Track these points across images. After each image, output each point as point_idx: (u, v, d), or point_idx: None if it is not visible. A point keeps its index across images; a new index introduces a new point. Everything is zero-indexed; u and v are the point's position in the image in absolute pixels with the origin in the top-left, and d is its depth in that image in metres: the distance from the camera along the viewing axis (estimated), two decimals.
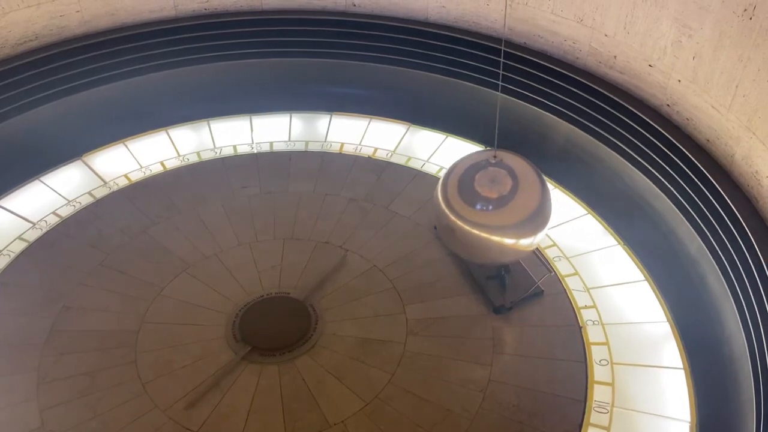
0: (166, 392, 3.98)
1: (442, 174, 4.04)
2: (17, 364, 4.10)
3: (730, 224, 4.23)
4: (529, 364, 4.16)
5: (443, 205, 3.79)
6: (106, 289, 4.53)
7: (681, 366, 4.10)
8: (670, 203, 4.75)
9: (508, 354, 4.21)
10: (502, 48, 4.35)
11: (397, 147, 5.71)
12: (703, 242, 4.45)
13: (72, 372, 4.07)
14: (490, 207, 3.68)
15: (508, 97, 5.70)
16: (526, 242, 3.81)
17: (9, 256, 4.73)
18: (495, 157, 3.75)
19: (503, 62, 5.61)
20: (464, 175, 3.75)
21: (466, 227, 3.71)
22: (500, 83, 4.50)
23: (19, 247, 4.80)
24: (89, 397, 3.94)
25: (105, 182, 5.34)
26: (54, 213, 5.06)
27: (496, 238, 3.74)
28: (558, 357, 4.19)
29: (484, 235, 3.72)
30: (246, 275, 4.64)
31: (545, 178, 3.86)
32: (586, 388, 4.01)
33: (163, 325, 4.34)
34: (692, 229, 4.57)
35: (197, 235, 4.91)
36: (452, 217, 3.74)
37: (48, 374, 4.05)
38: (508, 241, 3.79)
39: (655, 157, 4.87)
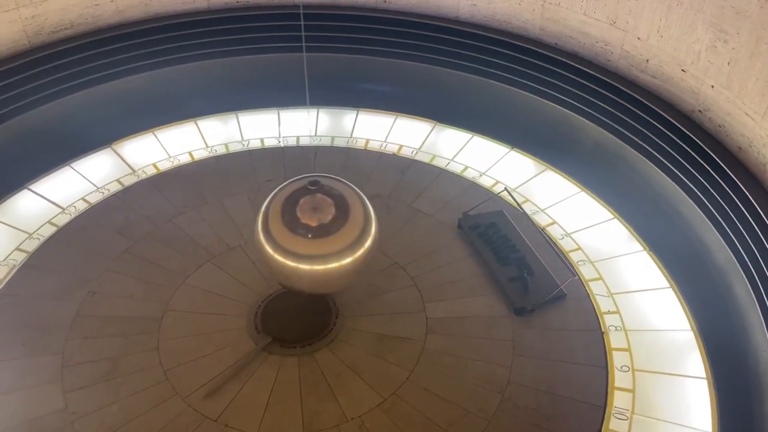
0: (187, 380, 4.02)
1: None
2: (43, 346, 4.17)
3: (760, 234, 4.16)
4: (549, 368, 4.13)
5: (261, 236, 3.70)
6: (131, 276, 4.60)
7: (704, 376, 4.04)
8: (699, 210, 4.68)
9: (528, 356, 4.19)
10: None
11: (422, 145, 5.70)
12: (732, 251, 4.38)
13: (95, 356, 4.13)
14: (309, 235, 3.62)
15: (536, 97, 5.68)
16: (349, 271, 3.70)
17: (39, 239, 4.82)
18: (315, 183, 3.70)
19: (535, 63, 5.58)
20: (285, 205, 3.69)
21: (281, 258, 3.63)
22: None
23: (49, 231, 4.89)
24: (111, 382, 4.00)
25: (134, 170, 5.42)
26: (83, 199, 5.15)
27: (305, 267, 3.63)
28: (578, 361, 4.15)
29: (302, 266, 3.62)
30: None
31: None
32: (606, 393, 3.97)
33: (186, 313, 4.39)
34: (721, 238, 4.50)
35: (223, 226, 4.96)
36: (267, 247, 3.66)
37: (72, 357, 4.12)
38: (330, 267, 3.65)
39: (684, 163, 4.80)
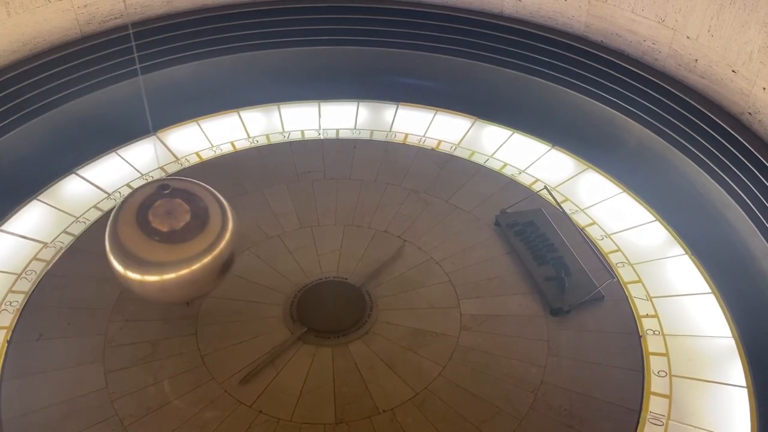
0: (223, 365, 4.10)
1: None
2: (87, 326, 4.30)
3: None
4: (584, 369, 4.09)
5: (108, 242, 3.57)
6: None
7: (744, 384, 3.95)
8: (745, 215, 4.56)
9: (563, 357, 4.15)
10: None
11: (461, 140, 5.68)
12: None
13: (136, 339, 4.24)
14: (157, 239, 3.47)
15: (579, 95, 5.60)
16: (205, 279, 3.58)
17: (84, 223, 4.96)
18: (167, 187, 3.55)
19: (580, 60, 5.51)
20: (139, 211, 3.53)
21: (127, 274, 3.51)
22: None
23: (94, 215, 5.03)
24: (150, 364, 4.11)
25: (177, 159, 5.52)
26: (128, 185, 5.27)
27: (153, 279, 3.50)
28: (614, 364, 4.10)
29: (151, 278, 3.49)
30: (306, 258, 4.72)
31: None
32: (642, 398, 3.91)
33: (224, 300, 4.46)
34: (766, 244, 4.39)
35: (262, 216, 5.03)
36: (114, 262, 3.53)
37: (114, 339, 4.24)
38: (181, 274, 3.51)
39: (731, 166, 4.69)
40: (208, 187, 3.78)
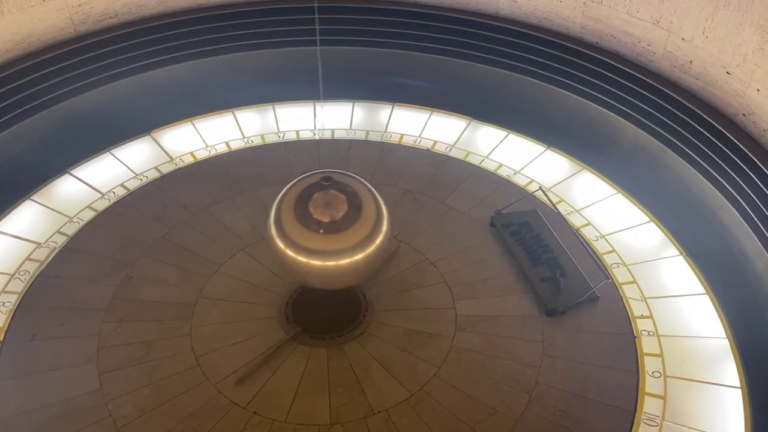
0: (218, 366, 4.09)
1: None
2: (80, 327, 4.28)
3: None
4: (579, 370, 4.09)
5: (273, 228, 3.73)
6: (166, 262, 4.68)
7: (738, 385, 3.96)
8: (739, 216, 4.58)
9: (558, 358, 4.15)
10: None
11: (456, 141, 5.68)
12: None
13: (130, 339, 4.22)
14: (321, 231, 3.64)
15: (574, 96, 5.61)
16: (363, 266, 3.73)
17: (78, 223, 4.94)
18: (328, 179, 3.70)
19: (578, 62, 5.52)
20: (298, 201, 3.70)
21: (293, 254, 3.66)
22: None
23: (88, 215, 5.01)
24: (145, 365, 4.09)
25: (171, 159, 5.51)
26: (122, 185, 5.25)
27: (317, 263, 3.66)
28: (609, 365, 4.10)
29: (313, 262, 3.65)
30: None
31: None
32: (637, 399, 3.92)
33: (219, 300, 4.45)
34: (761, 245, 4.40)
35: (257, 216, 5.00)
36: (281, 245, 3.69)
37: (108, 340, 4.22)
38: (343, 263, 3.67)
39: (726, 167, 4.70)
40: (360, 178, 3.88)
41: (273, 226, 3.78)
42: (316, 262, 3.69)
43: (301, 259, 3.69)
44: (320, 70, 4.62)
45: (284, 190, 3.85)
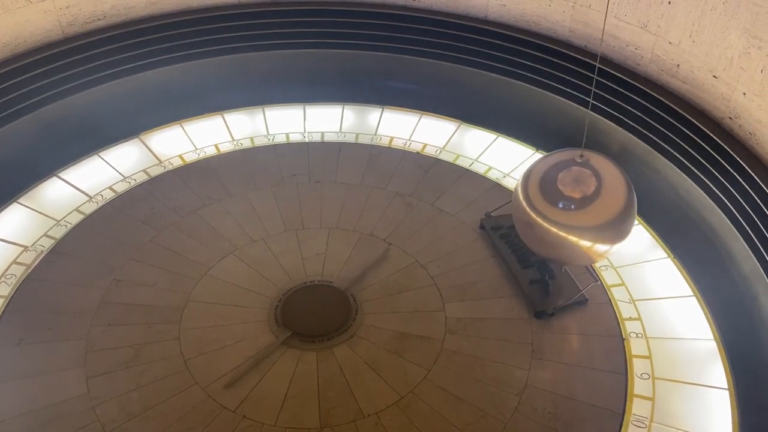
0: (207, 370, 4.07)
1: (524, 170, 4.01)
2: (68, 331, 4.25)
3: None
4: (568, 372, 4.11)
5: (523, 201, 3.78)
6: (155, 266, 4.66)
7: (726, 386, 3.99)
8: (726, 219, 4.61)
9: (547, 360, 4.17)
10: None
11: (446, 144, 5.70)
12: (759, 261, 4.31)
13: (118, 343, 4.20)
14: (573, 207, 3.65)
15: (563, 99, 5.63)
16: (603, 248, 3.78)
17: (66, 226, 4.91)
18: (581, 156, 3.71)
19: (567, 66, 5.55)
20: (547, 173, 3.74)
21: (545, 225, 3.70)
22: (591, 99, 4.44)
23: (76, 218, 4.97)
24: (133, 369, 4.07)
25: (160, 161, 5.48)
26: (110, 188, 5.22)
27: (572, 239, 3.70)
28: (598, 367, 4.12)
29: (561, 233, 3.69)
30: (291, 261, 4.70)
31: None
32: (625, 401, 3.94)
33: (207, 304, 4.44)
34: (747, 247, 4.42)
35: (246, 219, 5.00)
36: (532, 214, 3.72)
37: (96, 344, 4.19)
38: (585, 243, 3.75)
39: (713, 170, 4.73)
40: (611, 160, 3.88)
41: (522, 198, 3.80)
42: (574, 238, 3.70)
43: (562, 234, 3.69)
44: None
45: (535, 162, 3.91)
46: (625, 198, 3.71)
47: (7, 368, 4.04)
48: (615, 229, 3.72)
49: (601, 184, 3.65)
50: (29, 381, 3.98)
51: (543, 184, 3.73)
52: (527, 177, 3.83)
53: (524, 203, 3.79)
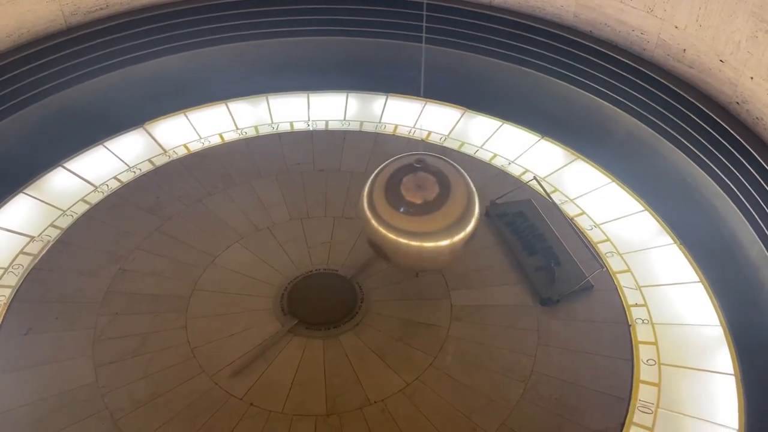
0: (214, 358, 4.09)
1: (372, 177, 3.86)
2: (75, 320, 4.27)
3: None
4: (574, 359, 4.11)
5: (367, 210, 3.71)
6: (161, 255, 4.67)
7: (732, 372, 3.99)
8: (733, 204, 4.59)
9: (553, 346, 4.17)
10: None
11: (451, 131, 5.67)
12: (765, 246, 4.30)
13: (125, 332, 4.22)
14: (413, 212, 3.61)
15: (568, 85, 5.60)
16: (445, 250, 3.71)
17: (72, 216, 4.92)
18: (420, 162, 3.67)
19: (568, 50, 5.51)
20: (391, 178, 3.68)
21: (383, 231, 3.65)
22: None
23: (82, 208, 4.98)
24: (140, 358, 4.09)
25: (165, 151, 5.48)
26: (115, 178, 5.23)
27: (414, 244, 3.66)
28: (604, 353, 4.12)
29: (402, 240, 3.64)
30: (296, 250, 4.71)
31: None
32: (631, 386, 3.94)
33: (214, 293, 4.45)
34: (754, 233, 4.42)
35: (251, 208, 5.00)
36: (374, 222, 3.67)
37: (103, 333, 4.21)
38: (428, 245, 3.69)
39: (719, 155, 4.71)
40: (453, 163, 3.85)
41: (366, 205, 3.75)
42: (411, 242, 3.65)
43: (392, 237, 3.65)
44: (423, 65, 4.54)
45: (377, 170, 3.82)
46: (465, 202, 3.68)
47: (16, 358, 4.07)
48: (453, 232, 3.65)
49: (443, 189, 3.62)
50: (37, 370, 4.01)
51: (387, 190, 3.66)
52: (371, 185, 3.75)
53: (368, 212, 3.71)
